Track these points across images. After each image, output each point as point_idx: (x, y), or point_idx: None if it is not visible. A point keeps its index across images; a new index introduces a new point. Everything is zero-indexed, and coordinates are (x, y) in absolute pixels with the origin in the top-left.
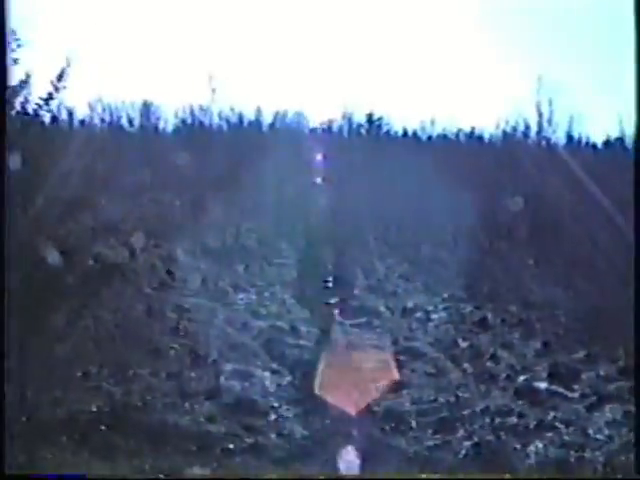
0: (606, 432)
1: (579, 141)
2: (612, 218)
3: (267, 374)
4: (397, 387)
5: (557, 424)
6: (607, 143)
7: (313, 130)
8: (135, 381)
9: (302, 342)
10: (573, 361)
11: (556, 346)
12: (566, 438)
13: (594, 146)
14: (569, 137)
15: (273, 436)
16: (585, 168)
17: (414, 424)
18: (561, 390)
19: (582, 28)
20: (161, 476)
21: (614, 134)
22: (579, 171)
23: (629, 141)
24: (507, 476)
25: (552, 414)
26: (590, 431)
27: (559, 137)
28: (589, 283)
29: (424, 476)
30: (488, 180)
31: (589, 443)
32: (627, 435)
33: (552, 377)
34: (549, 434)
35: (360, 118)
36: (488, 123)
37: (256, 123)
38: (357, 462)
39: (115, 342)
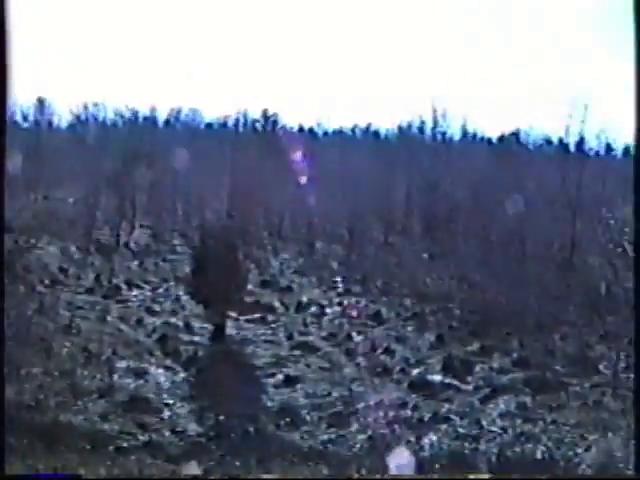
0: (500, 424)
1: (474, 136)
2: (505, 211)
3: (161, 371)
4: (292, 382)
5: (451, 416)
6: (502, 138)
7: (209, 125)
8: (27, 380)
9: (196, 339)
10: (467, 353)
11: (450, 339)
12: (460, 430)
13: (489, 141)
14: (464, 132)
15: (167, 433)
16: (479, 162)
17: (308, 419)
18: (455, 382)
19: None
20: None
21: (509, 129)
22: (473, 165)
23: (524, 136)
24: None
25: (446, 406)
26: (484, 423)
27: (454, 132)
28: (483, 276)
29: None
30: (383, 175)
31: (483, 435)
32: (521, 426)
33: (446, 370)
34: (443, 426)
35: (255, 114)
36: (385, 120)
37: (151, 119)
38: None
39: (6, 341)
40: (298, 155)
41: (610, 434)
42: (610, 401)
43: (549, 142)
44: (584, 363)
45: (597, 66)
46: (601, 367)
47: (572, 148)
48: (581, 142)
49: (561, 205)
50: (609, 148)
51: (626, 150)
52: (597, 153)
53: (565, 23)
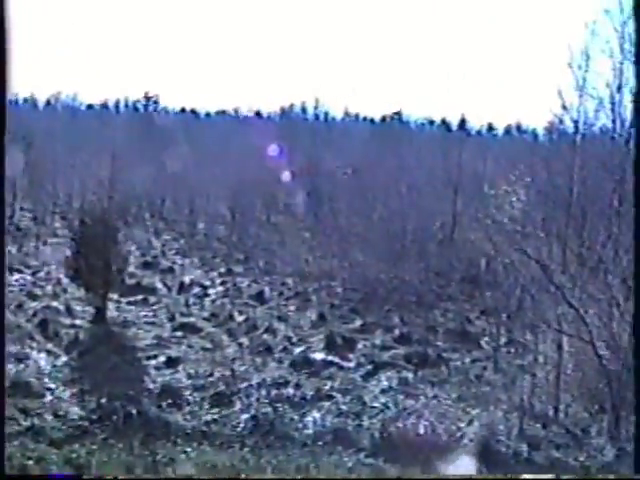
0: (382, 400)
1: (357, 117)
2: (387, 189)
3: (42, 355)
4: (174, 363)
5: (334, 394)
6: (384, 119)
7: (89, 107)
8: None
9: (77, 322)
10: (349, 331)
11: (332, 317)
12: (343, 407)
13: (372, 121)
14: (346, 113)
15: (50, 418)
16: (361, 142)
17: (191, 399)
18: (337, 360)
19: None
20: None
21: (392, 110)
22: (355, 145)
23: (406, 116)
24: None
25: (329, 384)
26: (366, 399)
27: (336, 114)
28: (365, 254)
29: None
30: (266, 155)
31: (366, 411)
32: (403, 402)
33: (328, 347)
34: (326, 404)
35: (137, 97)
36: (268, 101)
37: (32, 102)
38: None
39: None
40: (179, 136)
41: (492, 408)
42: (491, 375)
43: (431, 122)
44: (465, 338)
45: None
46: (482, 342)
47: (454, 127)
48: (463, 122)
49: (442, 183)
50: (490, 127)
51: (507, 129)
52: (479, 132)
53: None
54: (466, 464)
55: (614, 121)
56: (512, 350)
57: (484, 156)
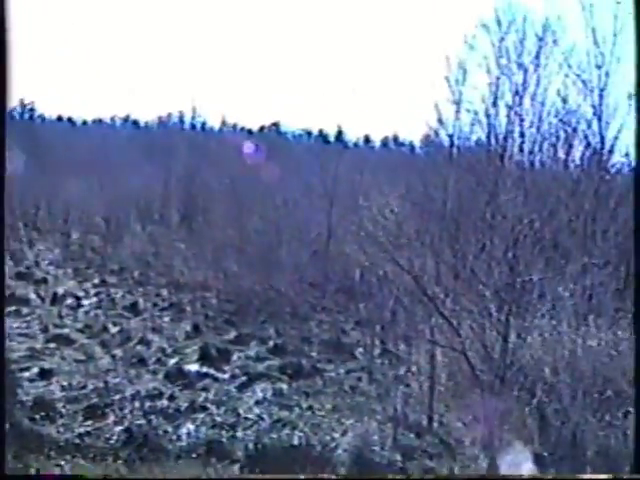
0: (256, 411)
1: (234, 127)
2: (263, 200)
3: None
4: (47, 375)
5: (208, 405)
6: (262, 129)
7: None
8: None
9: None
10: (224, 342)
11: (207, 328)
12: (217, 419)
13: (249, 131)
14: (224, 123)
15: None
16: (238, 153)
17: (64, 411)
18: (212, 371)
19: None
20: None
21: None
22: (232, 155)
23: (284, 127)
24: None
25: (203, 395)
26: (241, 411)
27: (214, 123)
28: (240, 265)
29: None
30: (142, 165)
31: (240, 422)
32: (277, 413)
33: (203, 359)
34: (201, 415)
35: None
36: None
37: None
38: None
39: None
40: (55, 144)
41: (366, 418)
42: (365, 386)
43: (309, 133)
44: (340, 349)
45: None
46: (356, 353)
47: (331, 139)
48: (340, 133)
49: (318, 195)
50: (367, 139)
51: (384, 141)
52: (356, 144)
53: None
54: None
55: (489, 135)
56: (386, 361)
57: (361, 168)
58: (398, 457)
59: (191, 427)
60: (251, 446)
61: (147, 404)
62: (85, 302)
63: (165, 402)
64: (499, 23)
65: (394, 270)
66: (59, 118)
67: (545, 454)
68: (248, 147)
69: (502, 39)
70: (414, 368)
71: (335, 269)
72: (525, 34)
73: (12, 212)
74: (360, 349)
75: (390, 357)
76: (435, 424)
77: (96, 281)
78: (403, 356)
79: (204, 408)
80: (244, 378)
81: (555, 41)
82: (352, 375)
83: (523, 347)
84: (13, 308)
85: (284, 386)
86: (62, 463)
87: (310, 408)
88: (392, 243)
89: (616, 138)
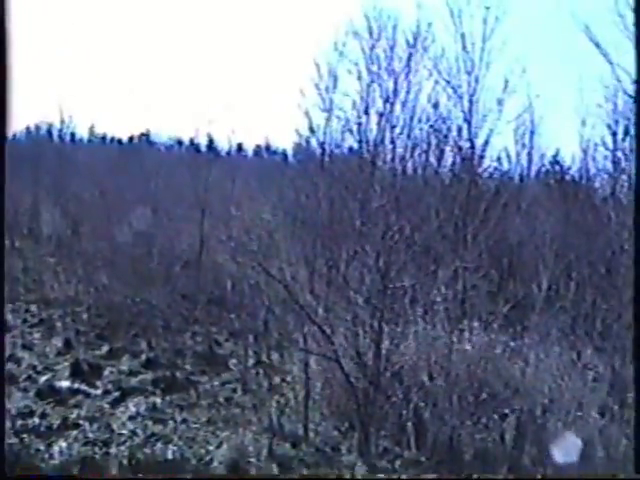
0: (130, 426)
1: (104, 137)
2: (132, 211)
3: None
4: None
5: (81, 422)
6: (131, 139)
7: None
8: None
9: None
10: (95, 357)
11: (78, 343)
12: (90, 435)
13: (119, 142)
14: (93, 134)
15: None
16: (108, 164)
17: None
18: (84, 387)
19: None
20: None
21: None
22: (101, 167)
23: (154, 137)
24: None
25: (76, 412)
26: (114, 426)
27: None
28: (110, 278)
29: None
30: (11, 177)
31: (113, 438)
32: (151, 427)
33: (74, 375)
34: (73, 432)
35: None
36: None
37: None
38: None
39: None
40: None
41: (241, 430)
42: (240, 397)
43: (180, 143)
44: (213, 361)
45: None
46: (230, 364)
47: (203, 148)
48: (211, 142)
49: (190, 204)
50: (240, 148)
51: (256, 150)
52: (228, 153)
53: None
54: None
55: (360, 142)
56: (261, 371)
57: (233, 177)
58: (274, 467)
59: (64, 445)
60: (125, 462)
61: (19, 422)
62: None
63: (37, 420)
64: (370, 30)
65: (266, 279)
66: None
67: (422, 459)
68: (118, 157)
69: (373, 46)
70: (289, 377)
71: (207, 280)
72: (395, 41)
73: None
74: (234, 360)
75: (264, 367)
76: (311, 433)
77: None
78: (277, 366)
79: (77, 425)
80: (117, 393)
81: (425, 47)
82: (227, 387)
83: (397, 353)
84: None
85: (158, 400)
86: None
87: (184, 421)
88: (263, 252)
89: (486, 143)
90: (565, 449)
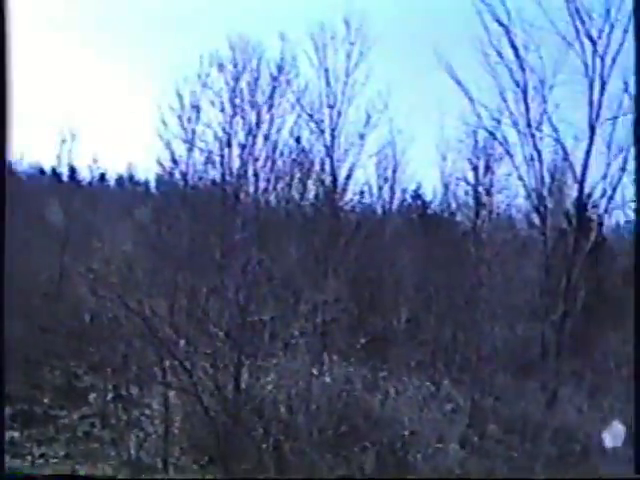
0: None
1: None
2: None
3: None
4: None
5: None
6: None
7: None
8: None
9: None
10: None
11: None
12: None
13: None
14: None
15: None
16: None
17: None
18: None
19: None
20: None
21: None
22: None
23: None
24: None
25: None
26: None
27: None
28: None
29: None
30: None
31: None
32: (9, 462)
33: None
34: None
35: None
36: None
37: None
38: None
39: None
40: None
41: (100, 464)
42: (99, 431)
43: (42, 172)
44: (73, 394)
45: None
46: (90, 398)
47: (65, 177)
48: (73, 171)
49: (50, 236)
50: (102, 177)
51: (119, 180)
52: (90, 183)
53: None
54: None
55: (223, 174)
56: (120, 405)
57: (94, 207)
58: None
59: None
60: None
61: None
62: None
63: None
64: (234, 61)
65: (126, 312)
66: None
67: None
68: None
69: (237, 78)
70: (148, 411)
71: (67, 312)
72: (259, 73)
73: None
74: (93, 394)
75: (124, 401)
76: (171, 467)
77: None
78: (137, 399)
79: None
80: None
81: (289, 81)
82: (85, 421)
83: (257, 386)
84: None
85: (15, 434)
86: None
87: (42, 456)
88: (123, 285)
89: (349, 177)
90: (613, 435)
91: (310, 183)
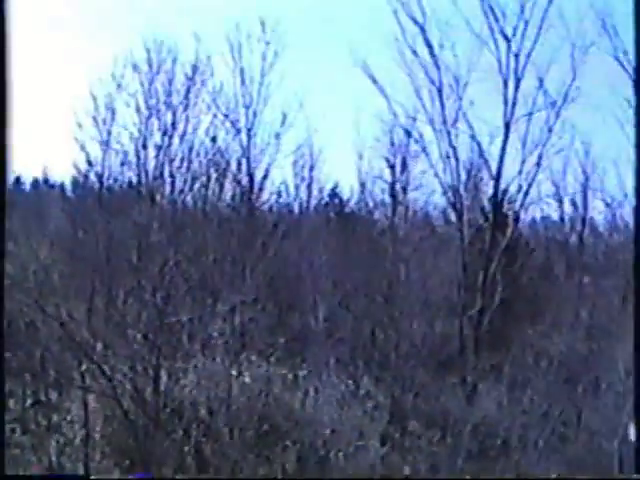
0: None
1: None
2: None
3: None
4: None
5: None
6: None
7: None
8: None
9: None
10: None
11: None
12: None
13: None
14: None
15: None
16: None
17: None
18: None
19: None
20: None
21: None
22: None
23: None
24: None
25: None
26: None
27: None
28: None
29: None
30: None
31: None
32: None
33: None
34: None
35: None
36: None
37: None
38: None
39: None
40: None
41: (21, 470)
42: (19, 437)
43: None
44: None
45: None
46: (9, 404)
47: None
48: None
49: None
50: (18, 180)
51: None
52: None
53: None
54: None
55: (139, 175)
56: (39, 410)
57: (9, 212)
58: None
59: None
60: None
61: None
62: None
63: None
64: (149, 62)
65: (43, 317)
66: None
67: None
68: None
69: (152, 79)
70: (68, 416)
71: None
72: (174, 74)
73: None
74: (12, 399)
75: (43, 406)
76: (92, 472)
77: None
78: (56, 404)
79: None
80: None
81: (204, 81)
82: (5, 427)
83: (176, 388)
84: None
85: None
86: None
87: None
88: (39, 289)
89: (265, 177)
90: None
91: (227, 183)
